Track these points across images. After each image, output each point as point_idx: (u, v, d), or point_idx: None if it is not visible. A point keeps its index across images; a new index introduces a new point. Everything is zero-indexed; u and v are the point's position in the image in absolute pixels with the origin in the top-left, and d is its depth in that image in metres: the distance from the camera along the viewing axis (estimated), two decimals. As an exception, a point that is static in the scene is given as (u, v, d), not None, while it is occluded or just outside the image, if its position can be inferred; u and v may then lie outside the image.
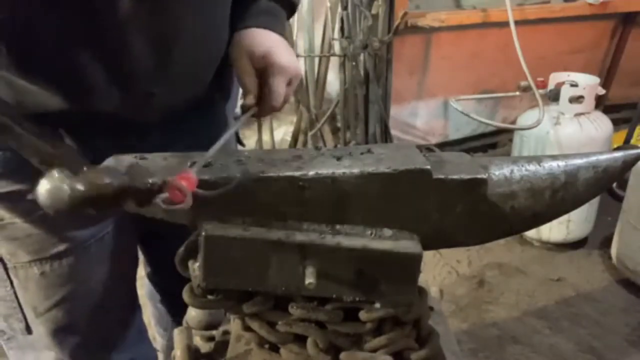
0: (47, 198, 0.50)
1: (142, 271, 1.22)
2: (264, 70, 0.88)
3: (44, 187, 0.50)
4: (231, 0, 0.92)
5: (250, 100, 0.87)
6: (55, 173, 0.50)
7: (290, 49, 0.93)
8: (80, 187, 0.49)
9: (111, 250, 0.97)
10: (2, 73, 0.75)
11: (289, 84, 0.90)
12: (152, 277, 1.30)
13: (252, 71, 0.89)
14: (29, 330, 0.96)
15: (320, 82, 2.88)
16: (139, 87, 0.82)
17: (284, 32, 0.96)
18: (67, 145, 0.53)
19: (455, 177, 0.62)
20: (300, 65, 2.81)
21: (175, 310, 1.26)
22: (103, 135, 0.77)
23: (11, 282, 0.91)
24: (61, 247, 0.89)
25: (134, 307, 1.13)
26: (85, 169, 0.50)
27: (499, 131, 3.42)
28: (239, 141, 1.18)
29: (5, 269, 0.90)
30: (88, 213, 0.52)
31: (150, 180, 0.52)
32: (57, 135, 0.79)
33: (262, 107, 0.89)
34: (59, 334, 0.96)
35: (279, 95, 0.88)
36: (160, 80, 0.83)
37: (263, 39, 0.90)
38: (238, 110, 0.95)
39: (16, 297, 0.92)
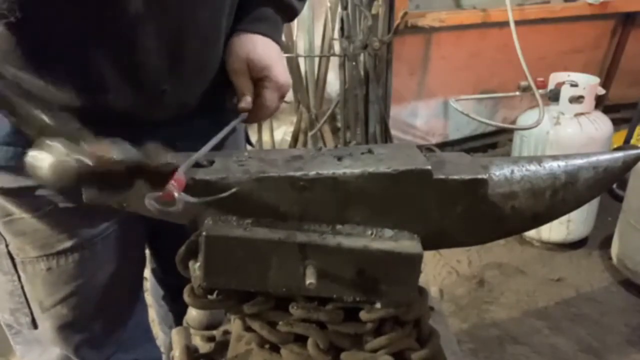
0: (51, 172, 0.46)
1: (146, 271, 1.22)
2: (259, 80, 0.91)
3: (46, 161, 0.46)
4: None
5: (248, 102, 0.89)
6: (58, 145, 0.46)
7: (285, 63, 0.96)
8: (87, 160, 0.45)
9: (117, 248, 0.97)
10: (13, 70, 0.75)
11: (281, 98, 0.95)
12: (157, 273, 1.30)
13: (249, 76, 0.91)
14: (34, 324, 0.96)
15: (320, 82, 2.88)
16: (149, 83, 0.82)
17: (281, 40, 0.98)
18: (66, 116, 0.51)
19: (455, 177, 0.62)
20: (300, 65, 2.82)
21: (178, 308, 1.27)
22: (114, 132, 0.77)
23: (19, 277, 0.92)
24: (67, 244, 0.90)
25: (140, 305, 1.13)
26: (87, 142, 0.47)
27: (499, 131, 3.43)
28: (249, 141, 1.18)
29: (14, 263, 0.91)
30: (96, 202, 0.49)
31: (165, 161, 0.50)
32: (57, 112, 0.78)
33: (252, 115, 0.92)
34: (64, 329, 0.97)
35: (271, 110, 0.93)
36: (171, 77, 0.84)
37: (265, 49, 0.92)
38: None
39: (23, 291, 0.93)
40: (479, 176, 0.63)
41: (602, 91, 2.33)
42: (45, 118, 0.53)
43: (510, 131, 3.03)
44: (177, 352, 0.79)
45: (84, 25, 0.73)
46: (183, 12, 0.80)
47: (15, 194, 0.85)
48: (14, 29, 0.70)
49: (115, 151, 0.48)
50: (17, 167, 0.83)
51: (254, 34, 0.92)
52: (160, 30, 0.78)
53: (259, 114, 0.93)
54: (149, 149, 0.52)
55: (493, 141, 3.54)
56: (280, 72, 0.92)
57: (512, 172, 0.66)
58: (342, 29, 2.60)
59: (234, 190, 0.58)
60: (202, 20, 0.84)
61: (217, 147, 0.69)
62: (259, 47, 0.91)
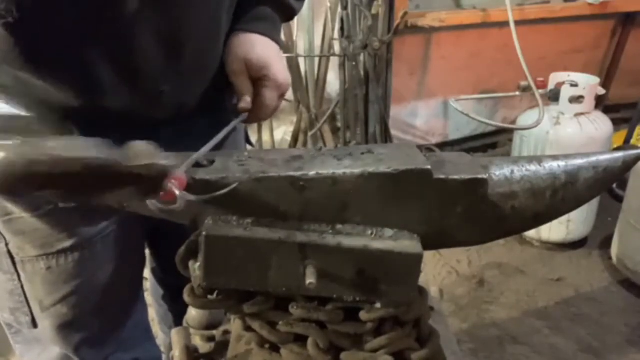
0: None
1: (146, 271, 1.22)
2: (258, 79, 0.91)
3: None
4: None
5: (247, 102, 0.89)
6: (9, 143, 0.42)
7: (285, 62, 0.96)
8: (15, 157, 0.40)
9: (117, 247, 0.97)
10: (12, 70, 0.75)
11: (281, 96, 0.95)
12: (157, 273, 1.30)
13: (247, 75, 0.91)
14: (34, 324, 0.96)
15: (320, 82, 2.88)
16: (147, 84, 0.82)
17: (280, 39, 0.98)
18: (46, 111, 0.48)
19: (455, 177, 0.62)
20: (300, 65, 2.82)
21: (178, 308, 1.27)
22: (112, 133, 0.77)
23: (19, 276, 0.92)
24: (67, 243, 0.90)
25: (140, 305, 1.13)
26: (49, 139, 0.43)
27: (499, 131, 3.43)
28: (248, 141, 1.18)
29: (14, 262, 0.91)
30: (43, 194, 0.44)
31: (155, 164, 0.46)
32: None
33: (252, 115, 0.92)
34: (64, 329, 0.97)
35: (271, 109, 0.93)
36: (169, 77, 0.84)
37: (263, 49, 0.92)
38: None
39: (23, 290, 0.93)
40: (479, 176, 0.63)
41: (602, 91, 2.33)
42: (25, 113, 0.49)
43: (510, 131, 3.03)
44: (177, 352, 0.79)
45: (82, 25, 0.73)
46: (181, 12, 0.79)
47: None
48: (12, 29, 0.70)
49: (77, 150, 0.42)
50: None
51: (252, 34, 0.92)
52: (158, 30, 0.78)
53: (259, 113, 0.92)
54: (134, 150, 0.48)
55: (493, 141, 3.54)
56: (279, 71, 0.92)
57: (512, 172, 0.66)
58: (342, 29, 2.60)
59: (233, 186, 0.58)
60: (201, 20, 0.84)
61: (217, 147, 0.69)
62: (257, 47, 0.91)
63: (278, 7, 0.97)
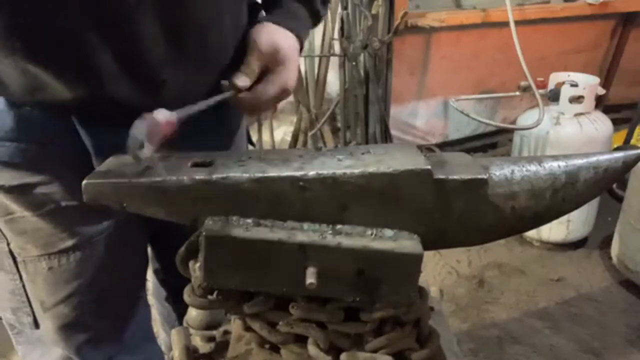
0: None
1: (149, 272, 1.22)
2: (268, 73, 0.89)
3: None
4: None
5: (244, 81, 0.86)
6: None
7: (298, 68, 0.94)
8: None
9: (119, 248, 0.97)
10: (16, 60, 0.74)
11: (278, 99, 0.91)
12: (160, 274, 1.30)
13: (262, 59, 0.88)
14: (36, 324, 0.96)
15: (320, 82, 2.88)
16: (149, 73, 0.81)
17: (306, 38, 0.97)
18: None
19: (455, 177, 0.62)
20: (301, 65, 2.82)
21: (181, 308, 1.27)
22: (114, 125, 0.76)
23: (20, 276, 0.91)
24: (69, 243, 0.90)
25: (142, 306, 1.13)
26: None
27: (499, 131, 3.43)
28: (250, 141, 1.18)
29: (15, 262, 0.90)
30: None
31: None
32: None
33: (243, 102, 0.88)
34: (66, 329, 0.96)
35: (262, 104, 0.89)
36: (171, 66, 0.82)
37: (290, 47, 0.90)
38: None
39: (25, 291, 0.93)
40: (479, 176, 0.63)
41: (602, 91, 2.33)
42: None
43: (510, 131, 3.03)
44: (176, 352, 0.79)
45: (81, 10, 0.72)
46: (183, 1, 0.79)
47: (17, 192, 0.84)
48: (10, 16, 0.69)
49: None
50: (22, 163, 0.82)
51: (286, 30, 0.91)
52: (159, 17, 0.76)
53: (250, 102, 0.88)
54: None
55: (493, 141, 3.54)
56: (291, 73, 0.90)
57: (512, 172, 0.66)
58: (342, 29, 2.60)
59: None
60: (203, 9, 0.82)
61: (217, 147, 0.68)
62: (285, 41, 0.89)
63: (311, 11, 0.97)
